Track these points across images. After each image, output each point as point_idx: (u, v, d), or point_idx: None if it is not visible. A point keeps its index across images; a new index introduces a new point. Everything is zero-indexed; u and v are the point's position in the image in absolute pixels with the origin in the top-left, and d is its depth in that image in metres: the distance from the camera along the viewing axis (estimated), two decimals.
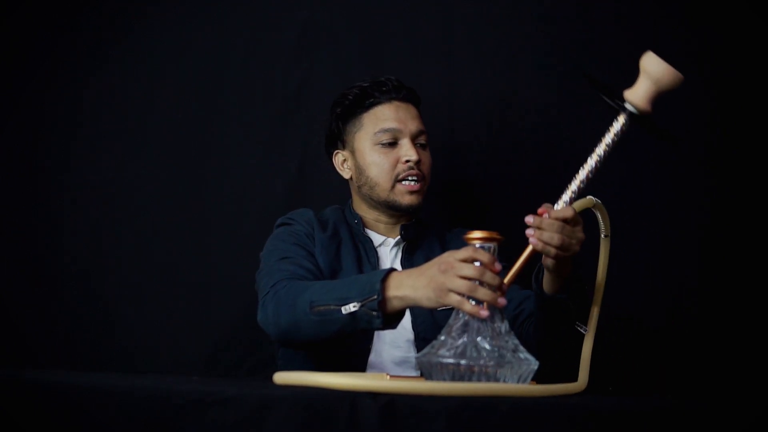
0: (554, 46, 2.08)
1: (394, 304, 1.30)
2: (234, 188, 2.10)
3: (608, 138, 1.33)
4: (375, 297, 1.30)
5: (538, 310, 1.47)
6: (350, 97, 1.74)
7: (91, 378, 1.11)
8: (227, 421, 1.01)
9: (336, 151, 1.79)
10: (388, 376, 1.29)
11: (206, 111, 2.13)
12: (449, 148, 2.09)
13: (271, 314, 1.48)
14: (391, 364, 1.64)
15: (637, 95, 1.32)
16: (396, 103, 1.73)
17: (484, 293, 1.19)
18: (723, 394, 1.10)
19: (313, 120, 2.06)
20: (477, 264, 1.21)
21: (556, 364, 1.44)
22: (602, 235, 1.36)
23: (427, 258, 1.71)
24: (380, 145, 1.71)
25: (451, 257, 1.24)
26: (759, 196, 1.99)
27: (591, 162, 1.32)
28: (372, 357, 1.63)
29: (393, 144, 1.71)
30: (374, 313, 1.30)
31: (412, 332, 1.65)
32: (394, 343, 1.65)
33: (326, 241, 1.68)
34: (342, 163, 1.78)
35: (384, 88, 1.73)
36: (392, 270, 1.34)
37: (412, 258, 1.73)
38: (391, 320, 1.33)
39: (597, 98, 2.05)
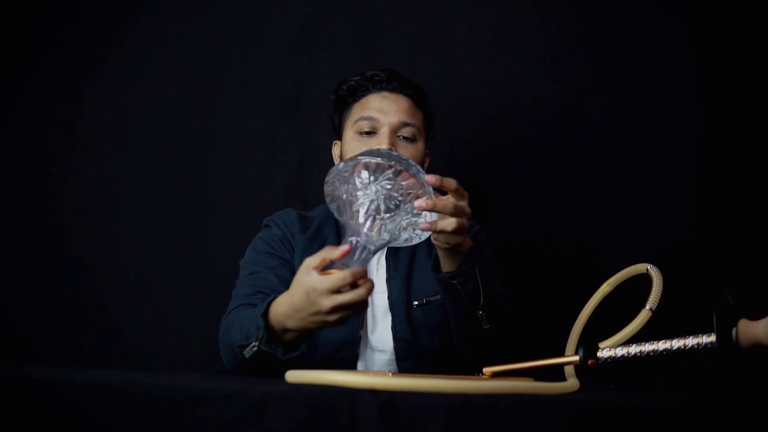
0: (554, 43, 2.08)
1: (286, 337, 1.30)
2: (234, 185, 2.11)
3: (690, 342, 1.17)
4: (262, 335, 1.31)
5: (443, 295, 1.50)
6: (344, 87, 1.71)
7: (91, 374, 1.11)
8: (227, 418, 1.01)
9: (335, 141, 1.76)
10: (390, 374, 1.29)
11: (206, 107, 2.13)
12: (448, 145, 2.09)
13: (221, 349, 1.50)
14: (379, 368, 1.62)
15: (756, 332, 1.10)
16: (384, 94, 1.67)
17: (351, 297, 1.21)
18: (723, 393, 1.09)
19: (313, 115, 2.07)
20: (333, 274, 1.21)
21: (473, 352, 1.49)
22: (646, 308, 1.25)
23: (411, 253, 1.68)
24: (359, 134, 1.66)
25: (312, 284, 1.22)
26: (759, 195, 1.99)
27: (662, 346, 1.17)
28: (359, 364, 1.61)
29: (371, 133, 1.65)
30: (272, 347, 1.31)
31: (392, 336, 1.62)
32: (377, 348, 1.63)
33: (305, 242, 1.65)
34: (338, 154, 1.74)
35: (377, 78, 1.68)
36: (272, 300, 1.32)
37: (396, 253, 1.68)
38: (293, 347, 1.32)
39: (597, 97, 2.08)
